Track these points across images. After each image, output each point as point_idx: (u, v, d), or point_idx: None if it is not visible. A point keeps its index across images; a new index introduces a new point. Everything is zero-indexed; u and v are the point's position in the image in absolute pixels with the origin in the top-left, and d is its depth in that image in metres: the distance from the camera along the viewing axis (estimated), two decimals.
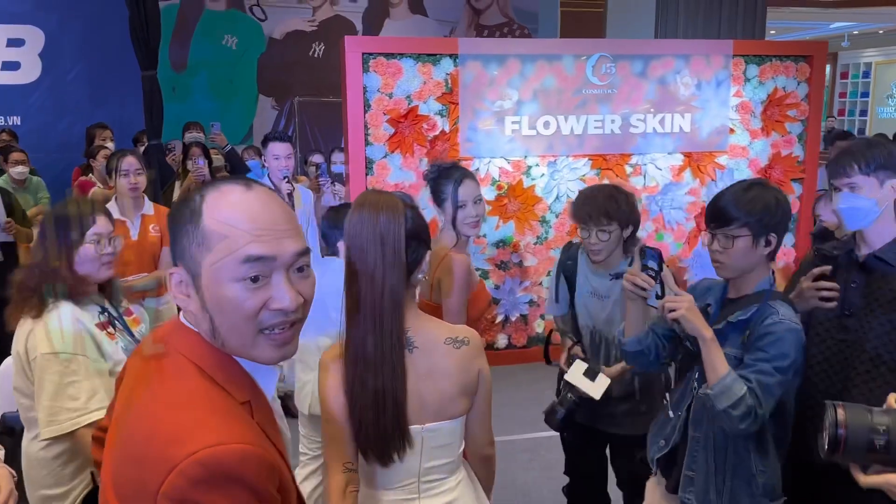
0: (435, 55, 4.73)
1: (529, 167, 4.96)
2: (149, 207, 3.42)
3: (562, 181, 5.00)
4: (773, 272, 2.15)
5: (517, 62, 4.81)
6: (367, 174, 4.76)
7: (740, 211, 2.00)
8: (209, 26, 7.93)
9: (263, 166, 4.03)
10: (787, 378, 1.99)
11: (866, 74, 14.82)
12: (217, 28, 7.95)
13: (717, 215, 2.04)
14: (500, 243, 5.02)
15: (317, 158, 5.18)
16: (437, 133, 4.79)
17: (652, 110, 5.01)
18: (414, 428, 1.62)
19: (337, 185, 5.06)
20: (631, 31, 6.64)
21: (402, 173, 4.79)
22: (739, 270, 2.07)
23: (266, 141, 4.00)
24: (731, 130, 5.19)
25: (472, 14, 8.67)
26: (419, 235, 1.69)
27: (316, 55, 8.10)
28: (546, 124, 4.90)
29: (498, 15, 8.76)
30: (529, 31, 8.80)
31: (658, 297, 2.11)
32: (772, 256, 2.10)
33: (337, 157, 5.33)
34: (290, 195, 3.93)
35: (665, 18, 5.93)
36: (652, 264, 2.10)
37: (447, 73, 4.75)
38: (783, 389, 2.00)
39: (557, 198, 5.03)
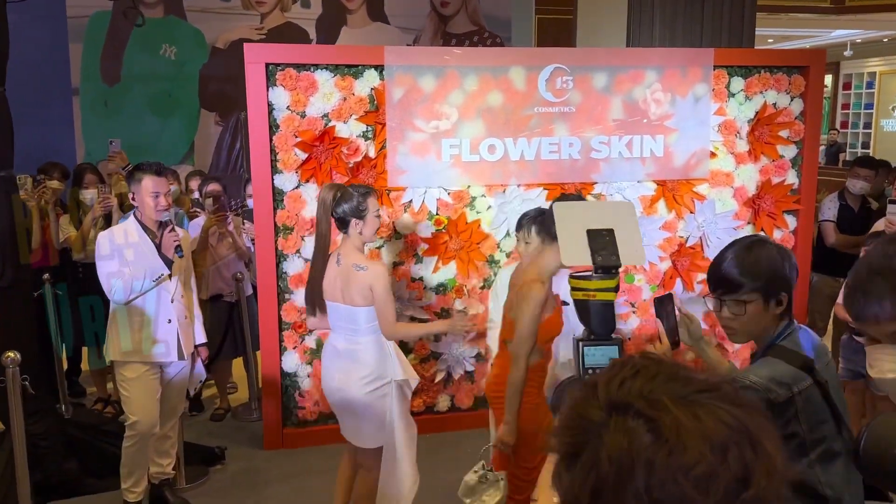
0: (356, 66, 3.97)
1: (473, 198, 4.20)
2: None
3: (512, 215, 4.21)
4: None
5: (456, 75, 4.05)
6: (275, 208, 4.00)
7: (746, 275, 1.81)
8: (145, 35, 7.20)
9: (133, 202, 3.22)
10: None
11: (870, 85, 14.03)
12: (154, 37, 7.21)
13: (723, 282, 1.85)
14: (441, 288, 4.25)
15: (214, 188, 4.35)
16: (359, 159, 4.03)
17: (618, 131, 4.24)
18: (334, 303, 2.85)
19: (247, 223, 4.27)
20: (605, 39, 5.89)
21: None
22: (752, 336, 1.87)
23: (138, 173, 3.21)
24: (713, 154, 4.42)
25: (438, 22, 7.92)
26: (343, 206, 2.80)
27: None
28: (491, 148, 4.13)
29: (467, 22, 8.01)
30: (502, 41, 8.06)
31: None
32: (785, 313, 1.85)
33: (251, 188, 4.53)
34: (179, 247, 3.16)
35: (639, 24, 5.17)
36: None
37: (372, 88, 4.00)
38: None
39: (508, 234, 4.26)
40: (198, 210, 4.38)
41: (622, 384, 0.73)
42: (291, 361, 4.12)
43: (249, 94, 3.86)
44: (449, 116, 4.07)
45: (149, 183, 3.17)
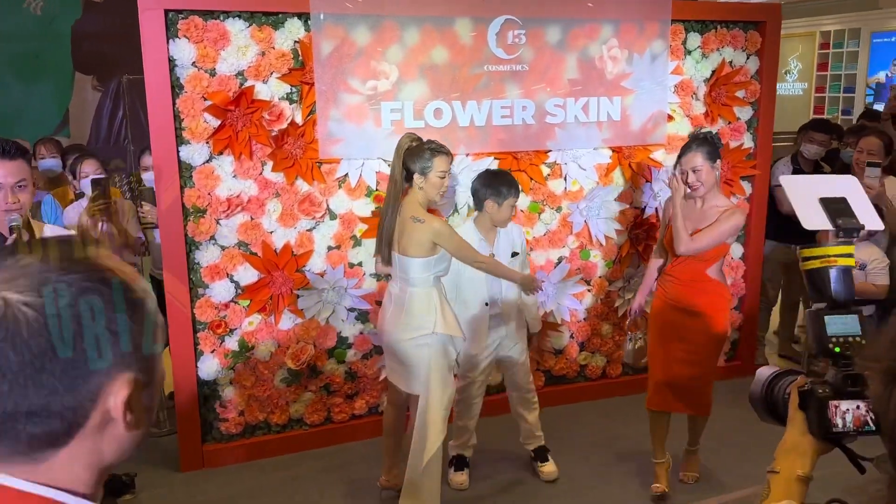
0: (276, 14, 3.33)
1: None
2: None
3: (461, 188, 3.74)
4: None
5: (395, 26, 3.49)
6: (182, 186, 3.32)
7: None
8: None
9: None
10: None
11: None
12: None
13: None
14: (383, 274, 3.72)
15: (89, 169, 3.55)
16: (284, 126, 3.41)
17: (574, 91, 3.82)
18: (397, 255, 2.96)
19: (145, 205, 3.56)
20: None
21: (237, 183, 3.39)
22: None
23: None
24: (670, 117, 4.09)
25: None
26: (411, 159, 2.91)
27: None
28: (438, 113, 3.62)
29: None
30: None
31: None
32: None
33: (148, 160, 3.78)
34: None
35: None
36: None
37: (296, 41, 3.37)
38: None
39: (456, 210, 3.78)
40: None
41: None
42: (210, 367, 3.49)
43: (145, 47, 3.15)
44: (388, 75, 3.51)
45: None
